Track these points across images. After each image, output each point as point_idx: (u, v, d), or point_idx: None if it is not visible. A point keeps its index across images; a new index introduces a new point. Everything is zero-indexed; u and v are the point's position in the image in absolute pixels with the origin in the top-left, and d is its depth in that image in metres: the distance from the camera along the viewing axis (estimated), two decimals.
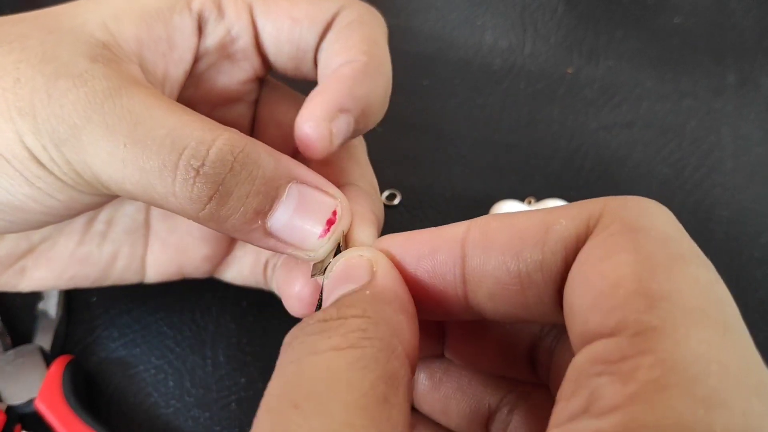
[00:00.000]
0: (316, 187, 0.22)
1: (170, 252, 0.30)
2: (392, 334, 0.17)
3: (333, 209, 0.22)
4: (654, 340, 0.13)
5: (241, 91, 0.28)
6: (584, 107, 0.44)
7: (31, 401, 0.30)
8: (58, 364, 0.31)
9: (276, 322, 0.34)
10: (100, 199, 0.24)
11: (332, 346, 0.16)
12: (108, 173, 0.21)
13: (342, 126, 0.24)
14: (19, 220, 0.23)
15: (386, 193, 0.39)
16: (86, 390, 0.32)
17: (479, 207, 0.38)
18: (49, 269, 0.29)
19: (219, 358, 0.33)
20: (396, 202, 0.39)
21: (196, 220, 0.21)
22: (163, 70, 0.25)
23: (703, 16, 0.49)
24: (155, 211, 0.30)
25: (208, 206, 0.21)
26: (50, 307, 0.34)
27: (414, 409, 0.23)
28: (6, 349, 0.32)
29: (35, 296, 0.34)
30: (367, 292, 0.18)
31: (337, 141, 0.24)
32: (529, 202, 0.37)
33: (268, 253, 0.30)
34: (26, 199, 0.22)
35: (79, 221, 0.28)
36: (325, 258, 0.22)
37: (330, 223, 0.22)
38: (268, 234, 0.22)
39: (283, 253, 0.23)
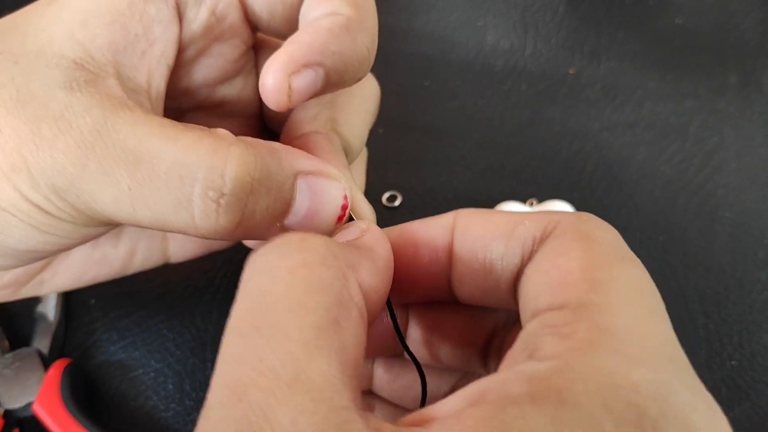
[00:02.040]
0: (321, 175, 0.22)
1: (196, 240, 0.30)
2: (349, 267, 0.18)
3: (344, 194, 0.22)
4: (592, 311, 0.16)
5: (236, 67, 0.27)
6: (586, 108, 0.43)
7: (29, 405, 0.30)
8: (57, 368, 0.31)
9: None
10: (115, 227, 0.23)
11: (290, 266, 0.17)
12: (118, 215, 0.20)
13: (305, 81, 0.22)
14: (32, 258, 0.23)
15: (387, 195, 0.39)
16: (85, 393, 0.32)
17: (481, 208, 0.38)
18: (67, 276, 0.28)
19: None
20: (397, 203, 0.39)
21: (222, 242, 0.21)
22: (145, 71, 0.23)
23: (705, 17, 0.49)
24: None
25: (235, 231, 0.20)
26: (48, 310, 0.34)
27: (373, 393, 0.25)
28: (4, 353, 0.32)
29: (33, 299, 0.34)
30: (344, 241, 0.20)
31: (299, 96, 0.23)
32: (531, 204, 0.37)
33: None
34: (39, 245, 0.22)
35: None
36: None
37: (344, 208, 0.22)
38: (286, 230, 0.22)
39: None
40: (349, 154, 0.26)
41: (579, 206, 0.36)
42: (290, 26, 0.26)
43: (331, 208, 0.22)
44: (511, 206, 0.36)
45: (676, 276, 0.35)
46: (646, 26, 0.48)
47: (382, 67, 0.46)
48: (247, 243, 0.27)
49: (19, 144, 0.20)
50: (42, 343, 0.33)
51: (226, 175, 0.20)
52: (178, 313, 0.35)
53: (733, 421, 0.30)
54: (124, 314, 0.35)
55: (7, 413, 0.30)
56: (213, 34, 0.25)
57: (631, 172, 0.40)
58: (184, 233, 0.21)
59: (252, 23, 0.26)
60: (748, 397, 0.31)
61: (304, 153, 0.22)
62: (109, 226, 0.23)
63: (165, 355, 0.33)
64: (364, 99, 0.28)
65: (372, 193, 0.39)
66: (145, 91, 0.23)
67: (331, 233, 0.22)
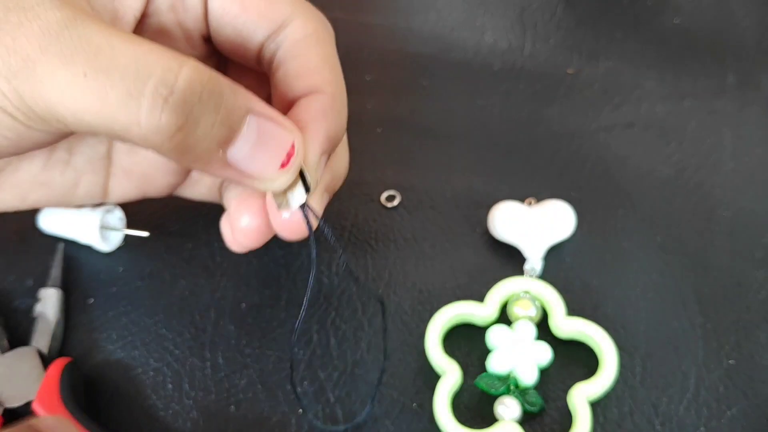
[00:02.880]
0: (273, 121, 0.23)
1: (134, 181, 0.31)
2: None
3: (291, 143, 0.23)
4: None
5: (198, 52, 0.29)
6: (584, 108, 0.43)
7: (28, 404, 0.30)
8: (56, 367, 0.31)
9: (275, 323, 0.34)
10: (52, 137, 0.24)
11: None
12: (65, 105, 0.21)
13: (322, 167, 0.26)
14: None
15: (385, 195, 0.39)
16: (84, 392, 0.32)
17: (479, 208, 0.38)
18: (13, 193, 0.29)
19: (218, 360, 0.33)
20: (395, 203, 0.39)
21: (159, 150, 0.22)
22: (112, 11, 0.25)
23: (703, 16, 0.49)
24: (118, 146, 0.31)
25: (175, 136, 0.21)
26: (48, 309, 0.34)
27: None
28: (3, 351, 0.32)
29: (33, 298, 0.34)
30: None
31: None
32: (530, 203, 0.37)
33: None
34: None
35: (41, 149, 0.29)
36: (286, 190, 0.24)
37: (289, 155, 0.23)
38: (227, 165, 0.23)
39: (241, 183, 0.24)
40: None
41: (577, 205, 0.36)
42: (233, 51, 0.28)
43: (277, 149, 0.23)
44: (510, 206, 0.36)
45: (674, 275, 0.35)
46: (645, 26, 0.48)
47: (380, 67, 0.46)
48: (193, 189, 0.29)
49: None
50: (41, 342, 0.33)
51: (180, 76, 0.21)
52: (176, 313, 0.35)
53: (731, 420, 0.30)
54: (123, 313, 0.35)
55: (7, 412, 0.30)
56: (177, 17, 0.27)
57: (628, 171, 0.40)
58: (126, 134, 0.21)
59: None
60: (746, 396, 0.31)
61: (268, 105, 0.24)
62: (47, 133, 0.23)
63: (164, 354, 0.33)
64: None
65: (370, 193, 0.39)
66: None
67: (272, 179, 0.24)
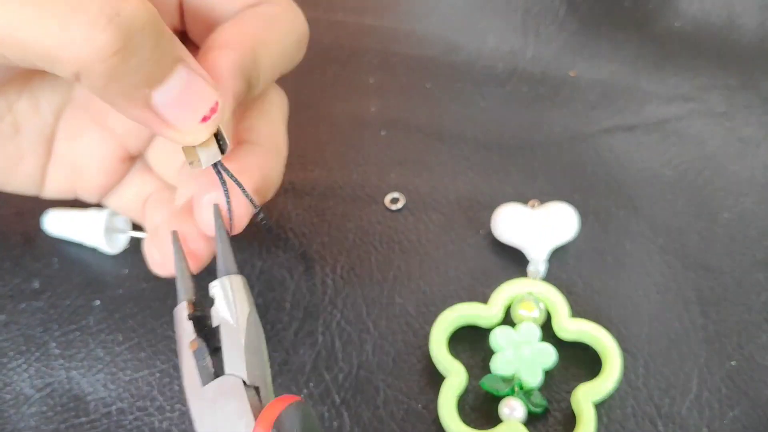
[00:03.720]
0: (203, 78, 0.24)
1: (68, 170, 0.32)
2: None
3: (216, 100, 0.24)
4: None
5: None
6: (586, 111, 0.44)
7: None
8: (271, 412, 0.21)
9: (279, 326, 0.34)
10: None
11: None
12: (8, 23, 0.20)
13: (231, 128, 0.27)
14: None
15: (389, 197, 0.39)
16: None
17: (483, 210, 0.38)
18: None
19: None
20: (399, 205, 0.39)
21: (89, 75, 0.21)
22: None
23: (704, 19, 0.49)
24: (61, 132, 0.31)
25: (110, 59, 0.21)
26: (231, 314, 0.25)
27: None
28: (205, 382, 0.23)
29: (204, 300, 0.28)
30: None
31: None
32: (533, 205, 0.37)
33: (150, 189, 0.33)
34: None
35: None
36: (199, 146, 0.25)
37: (212, 111, 0.24)
38: (149, 107, 0.23)
39: (157, 131, 0.24)
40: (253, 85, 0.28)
41: (579, 207, 0.37)
42: (192, 23, 0.30)
43: (201, 103, 0.23)
44: (513, 208, 0.37)
45: (676, 277, 0.36)
46: (646, 29, 0.49)
47: (384, 70, 0.47)
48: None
49: None
50: (236, 367, 0.23)
51: (128, 2, 0.21)
52: None
53: (733, 421, 0.31)
54: (128, 315, 0.35)
55: None
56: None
57: (630, 174, 0.40)
58: (60, 52, 0.21)
59: None
60: (748, 397, 0.31)
61: (198, 63, 0.24)
62: None
63: (170, 355, 0.33)
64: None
65: (374, 195, 0.40)
66: None
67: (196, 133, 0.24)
